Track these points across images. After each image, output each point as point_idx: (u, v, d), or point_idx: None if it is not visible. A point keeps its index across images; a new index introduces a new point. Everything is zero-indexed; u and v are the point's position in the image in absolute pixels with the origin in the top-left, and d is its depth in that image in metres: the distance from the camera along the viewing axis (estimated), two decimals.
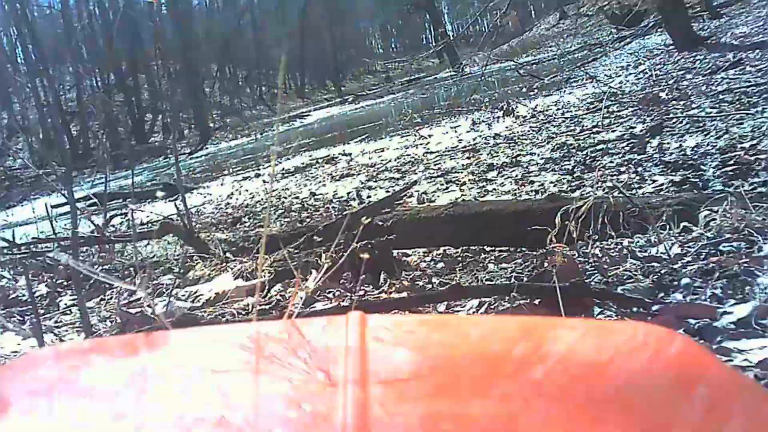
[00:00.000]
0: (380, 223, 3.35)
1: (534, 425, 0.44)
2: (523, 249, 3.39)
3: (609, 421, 0.44)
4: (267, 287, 3.02)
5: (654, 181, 4.52)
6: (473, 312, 2.04)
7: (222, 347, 0.61)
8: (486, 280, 2.62)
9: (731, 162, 4.31)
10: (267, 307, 2.79)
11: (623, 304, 1.81)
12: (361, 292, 2.70)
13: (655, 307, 1.82)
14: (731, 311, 1.69)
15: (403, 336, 0.59)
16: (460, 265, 3.37)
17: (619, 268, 2.22)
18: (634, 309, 1.81)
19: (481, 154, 7.37)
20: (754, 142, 4.67)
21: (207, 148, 21.16)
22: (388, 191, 6.57)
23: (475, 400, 0.47)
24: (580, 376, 0.50)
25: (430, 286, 2.69)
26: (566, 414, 0.45)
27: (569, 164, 5.70)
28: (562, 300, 1.61)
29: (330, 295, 2.66)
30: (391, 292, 2.57)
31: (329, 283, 2.82)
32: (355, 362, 0.51)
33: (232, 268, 3.31)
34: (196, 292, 3.07)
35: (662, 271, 2.15)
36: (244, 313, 2.77)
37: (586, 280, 2.15)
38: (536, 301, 1.64)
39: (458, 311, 2.06)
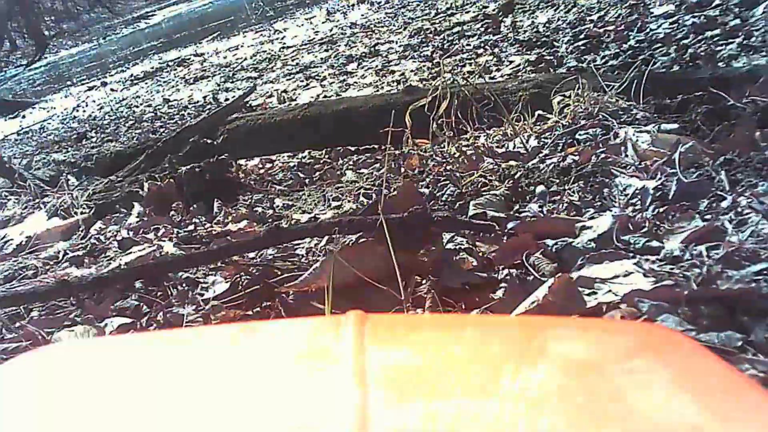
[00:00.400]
0: (209, 140, 2.99)
1: (534, 425, 0.43)
2: (386, 147, 3.26)
3: (609, 422, 0.44)
4: (85, 227, 2.63)
5: (511, 62, 4.49)
6: (314, 246, 1.82)
7: (218, 347, 0.60)
8: (333, 198, 2.39)
9: (582, 36, 4.31)
10: (81, 253, 2.43)
11: (473, 227, 1.64)
12: (191, 227, 2.39)
13: (510, 225, 1.66)
14: (590, 225, 1.56)
15: (403, 335, 0.59)
16: (317, 174, 3.14)
17: (473, 174, 2.05)
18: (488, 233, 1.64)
19: (339, 46, 7.17)
20: (602, 13, 4.68)
21: (46, 58, 19.34)
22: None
23: (475, 400, 0.46)
24: (580, 376, 0.50)
25: (270, 211, 2.43)
26: (566, 414, 0.44)
27: (428, 50, 5.60)
28: (401, 232, 1.41)
29: (151, 236, 2.32)
30: (226, 223, 2.29)
31: (155, 218, 2.48)
32: (355, 361, 0.50)
33: (45, 205, 2.88)
34: (4, 237, 2.65)
35: (518, 175, 2.00)
36: (52, 263, 2.39)
37: (438, 193, 1.97)
38: (371, 237, 1.43)
39: (300, 244, 1.83)
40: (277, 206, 2.49)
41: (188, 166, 2.61)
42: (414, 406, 0.45)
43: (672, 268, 1.30)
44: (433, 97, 2.64)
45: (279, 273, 1.62)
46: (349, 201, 2.26)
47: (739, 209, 1.46)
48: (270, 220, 2.26)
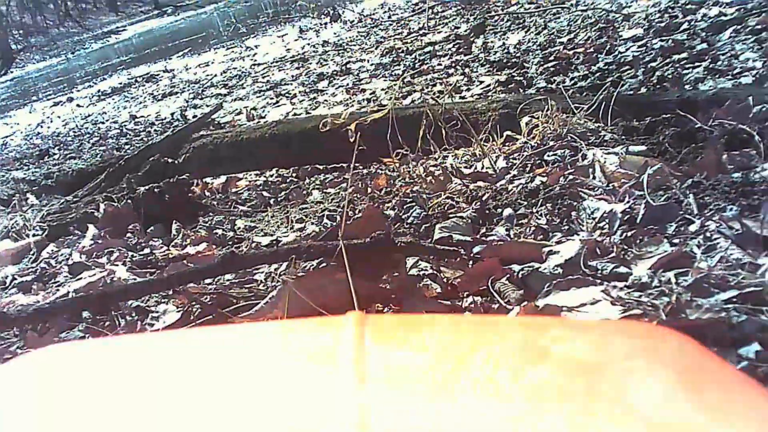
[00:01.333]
0: (170, 160, 2.90)
1: (534, 426, 0.43)
2: (357, 166, 3.24)
3: (609, 422, 0.44)
4: (36, 250, 2.52)
5: (481, 82, 4.51)
6: (274, 270, 1.74)
7: (218, 348, 0.60)
8: (297, 220, 2.32)
9: (552, 58, 4.35)
10: (30, 278, 2.31)
11: (437, 253, 1.58)
12: (147, 250, 2.29)
13: (476, 249, 1.61)
14: (557, 250, 1.52)
15: (403, 336, 0.58)
16: (283, 194, 3.08)
17: (441, 196, 2.01)
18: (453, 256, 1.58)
19: (310, 64, 7.19)
20: (571, 35, 4.75)
21: (12, 72, 19.05)
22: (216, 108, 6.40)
23: (475, 400, 0.46)
24: (580, 376, 0.50)
25: (231, 233, 2.35)
26: (566, 414, 0.44)
27: (399, 69, 5.62)
28: (363, 258, 1.35)
29: (104, 260, 2.22)
30: (184, 246, 2.20)
31: (110, 241, 2.38)
32: (355, 362, 0.50)
33: None
34: None
35: (485, 197, 1.96)
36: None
37: (404, 216, 1.92)
38: (332, 262, 1.37)
39: (259, 268, 1.74)
40: (239, 228, 2.41)
41: (146, 187, 2.51)
42: (414, 406, 0.45)
43: (640, 296, 1.26)
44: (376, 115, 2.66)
45: (234, 301, 1.54)
46: (312, 223, 2.19)
47: (708, 234, 1.43)
48: (230, 243, 2.19)
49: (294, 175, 3.57)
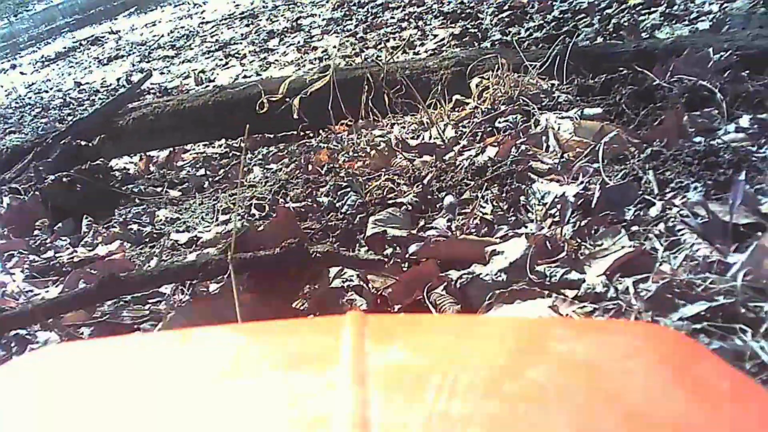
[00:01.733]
0: (84, 142, 2.62)
1: (534, 426, 0.43)
2: (307, 133, 3.03)
3: (609, 422, 0.43)
4: None
5: (435, 36, 4.37)
6: (177, 287, 1.50)
7: (218, 348, 0.59)
8: (222, 211, 2.08)
9: (506, 7, 4.24)
10: None
11: (360, 264, 1.37)
12: (51, 252, 2.03)
13: (412, 248, 1.41)
14: (502, 250, 1.33)
15: (403, 336, 0.58)
16: (222, 172, 2.86)
17: (380, 177, 1.80)
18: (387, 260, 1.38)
19: (260, 20, 6.99)
20: None
21: None
22: (162, 72, 6.13)
23: (475, 400, 0.45)
24: (580, 376, 0.49)
25: (149, 228, 2.11)
26: (566, 414, 0.44)
27: (352, 24, 5.47)
28: (275, 270, 1.15)
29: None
30: (95, 246, 1.96)
31: (14, 242, 2.11)
32: (355, 362, 0.49)
33: None
34: None
35: (429, 177, 1.75)
36: None
37: (339, 203, 1.71)
38: (245, 275, 1.16)
39: (160, 290, 1.51)
40: (159, 221, 2.17)
41: (54, 176, 2.24)
42: (414, 407, 0.45)
43: (594, 312, 1.08)
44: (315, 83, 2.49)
45: (124, 330, 1.32)
46: (238, 214, 1.97)
47: (670, 223, 1.26)
48: (146, 240, 1.96)
49: (239, 146, 3.38)
